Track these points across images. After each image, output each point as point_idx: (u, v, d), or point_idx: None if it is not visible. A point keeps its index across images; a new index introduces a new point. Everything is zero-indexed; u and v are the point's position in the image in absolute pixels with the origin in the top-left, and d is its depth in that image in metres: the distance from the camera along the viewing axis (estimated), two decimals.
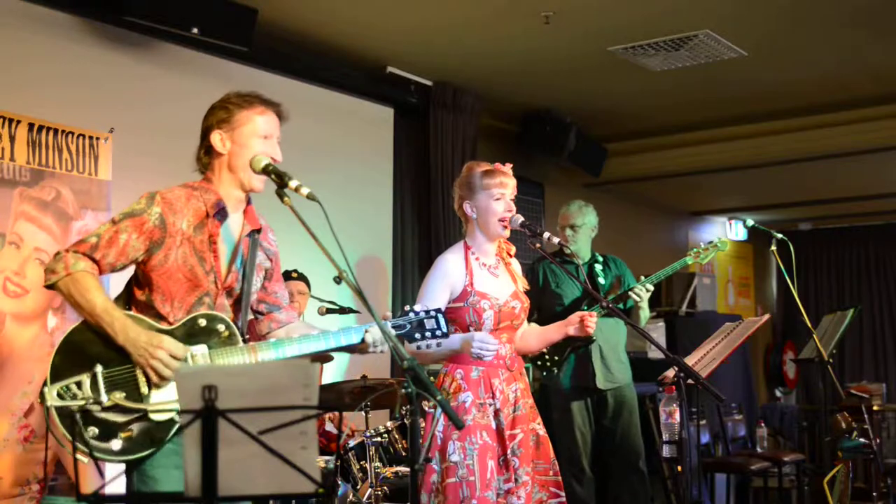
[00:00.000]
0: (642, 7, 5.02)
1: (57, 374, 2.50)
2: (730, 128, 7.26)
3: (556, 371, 4.87)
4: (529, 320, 5.24)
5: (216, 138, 2.71)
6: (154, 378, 2.50)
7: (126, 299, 2.70)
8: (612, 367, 5.04)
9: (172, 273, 2.61)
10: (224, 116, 2.72)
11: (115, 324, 2.51)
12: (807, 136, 7.08)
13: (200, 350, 2.58)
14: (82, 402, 2.46)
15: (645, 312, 4.86)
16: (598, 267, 5.12)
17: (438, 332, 2.75)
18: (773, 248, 4.51)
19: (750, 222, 4.88)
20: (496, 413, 3.29)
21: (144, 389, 2.51)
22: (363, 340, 2.69)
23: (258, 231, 2.79)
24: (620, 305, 4.89)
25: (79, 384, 2.48)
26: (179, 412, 1.87)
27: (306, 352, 2.64)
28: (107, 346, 2.52)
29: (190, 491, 1.86)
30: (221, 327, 2.62)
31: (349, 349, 2.73)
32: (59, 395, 2.47)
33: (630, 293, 4.77)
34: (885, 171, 7.99)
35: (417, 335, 2.74)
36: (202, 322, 2.61)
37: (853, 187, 8.77)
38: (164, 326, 2.60)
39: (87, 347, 2.53)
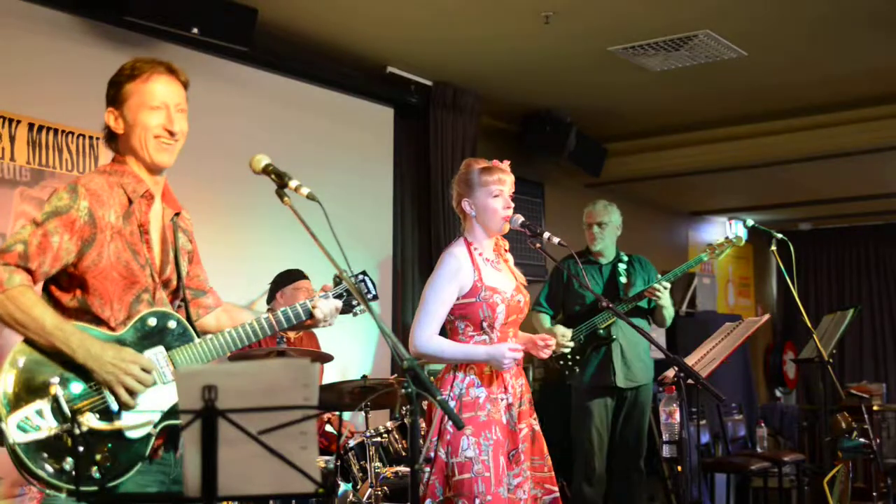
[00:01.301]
0: (642, 7, 5.01)
1: (9, 405, 2.20)
2: (730, 128, 7.26)
3: (577, 370, 4.91)
4: (555, 319, 5.31)
5: (110, 119, 2.49)
6: (124, 396, 2.28)
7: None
8: (632, 367, 5.06)
9: (107, 272, 2.35)
10: (113, 93, 2.50)
11: (71, 341, 2.24)
12: (807, 136, 7.07)
13: (159, 352, 2.38)
14: (51, 432, 2.19)
15: (669, 311, 4.92)
16: (622, 266, 5.15)
17: (370, 295, 2.75)
18: (773, 248, 4.51)
19: (750, 222, 4.89)
20: (508, 407, 3.29)
21: (114, 407, 2.29)
22: (312, 316, 2.59)
23: (178, 214, 2.59)
24: (644, 304, 4.95)
25: (39, 412, 2.20)
26: (180, 412, 1.86)
27: (262, 336, 2.51)
28: (62, 366, 2.26)
29: (190, 491, 1.86)
30: (173, 324, 2.42)
31: (298, 326, 2.63)
32: (21, 429, 2.18)
33: (647, 292, 4.83)
34: (885, 171, 7.99)
35: (354, 301, 2.68)
36: (152, 321, 2.39)
37: (853, 187, 8.77)
38: (108, 333, 2.35)
39: (38, 370, 2.25)
